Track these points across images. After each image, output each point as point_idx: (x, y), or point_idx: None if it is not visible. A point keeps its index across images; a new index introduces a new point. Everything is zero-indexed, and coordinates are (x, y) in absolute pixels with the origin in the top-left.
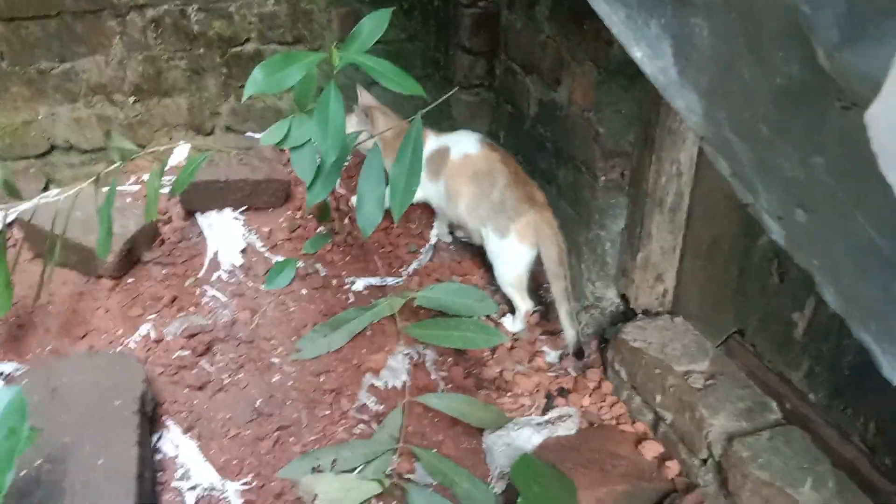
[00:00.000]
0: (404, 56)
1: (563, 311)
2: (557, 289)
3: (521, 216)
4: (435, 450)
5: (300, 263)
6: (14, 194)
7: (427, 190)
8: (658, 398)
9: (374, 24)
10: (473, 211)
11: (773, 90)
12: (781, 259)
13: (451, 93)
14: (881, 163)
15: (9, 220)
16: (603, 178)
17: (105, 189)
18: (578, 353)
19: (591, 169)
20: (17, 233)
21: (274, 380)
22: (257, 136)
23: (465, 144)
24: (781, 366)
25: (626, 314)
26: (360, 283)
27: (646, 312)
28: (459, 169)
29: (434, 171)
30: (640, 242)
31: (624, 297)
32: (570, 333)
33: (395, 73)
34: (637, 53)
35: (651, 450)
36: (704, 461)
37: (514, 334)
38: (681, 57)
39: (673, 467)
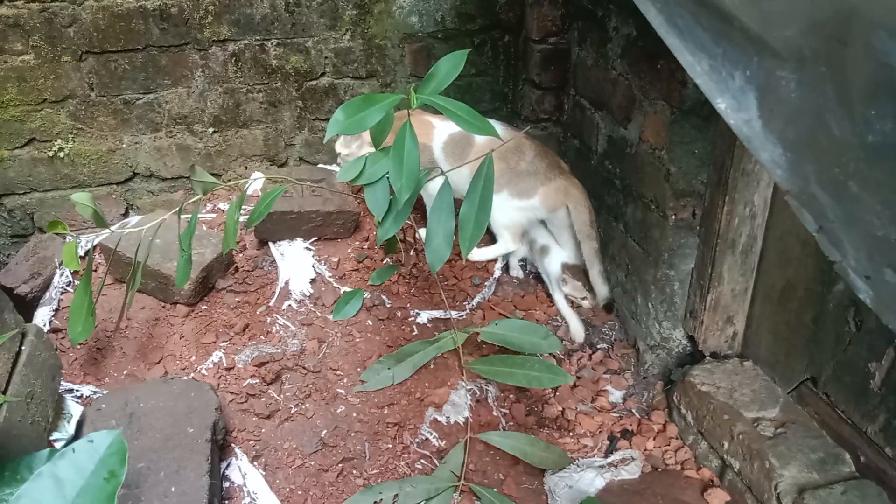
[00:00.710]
0: (473, 90)
1: (594, 271)
2: (588, 249)
3: (552, 181)
4: (496, 489)
5: (366, 294)
6: (101, 224)
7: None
8: (726, 445)
9: (450, 66)
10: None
11: (864, 146)
12: (859, 307)
13: (521, 133)
14: None
15: (92, 244)
16: (673, 217)
17: (186, 217)
18: (608, 307)
19: (661, 207)
20: (97, 257)
21: (339, 410)
22: (329, 167)
23: None
24: (856, 416)
25: (694, 356)
26: (424, 316)
27: (714, 355)
28: (485, 149)
29: (459, 156)
30: (710, 284)
31: (692, 339)
32: (602, 290)
33: (470, 115)
34: (721, 105)
35: (717, 498)
36: None
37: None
38: (766, 109)
39: None
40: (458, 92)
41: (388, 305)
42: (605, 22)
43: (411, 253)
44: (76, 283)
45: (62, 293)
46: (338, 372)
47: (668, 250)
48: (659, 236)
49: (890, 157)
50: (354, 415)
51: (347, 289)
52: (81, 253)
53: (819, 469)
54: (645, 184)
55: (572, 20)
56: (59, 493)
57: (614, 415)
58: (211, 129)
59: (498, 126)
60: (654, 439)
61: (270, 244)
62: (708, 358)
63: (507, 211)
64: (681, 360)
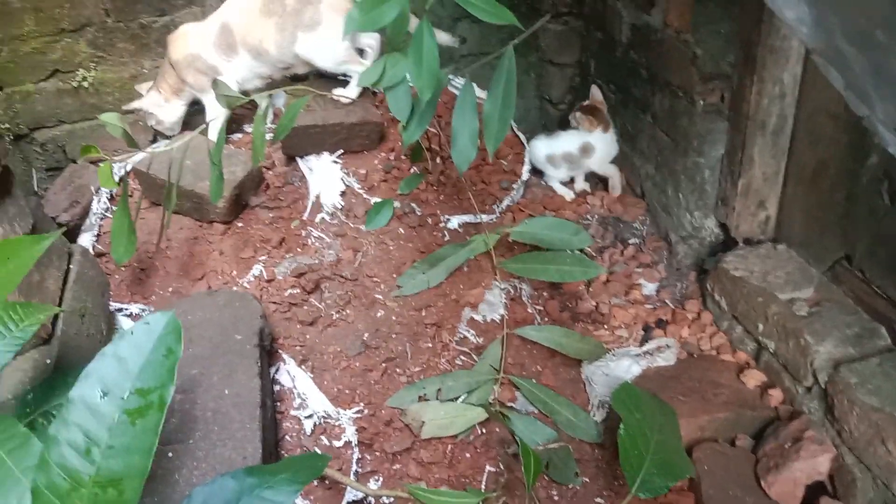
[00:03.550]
0: None
1: None
2: None
3: None
4: (534, 380)
5: (396, 204)
6: (133, 145)
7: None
8: (760, 327)
9: None
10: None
11: None
12: (893, 179)
13: (542, 21)
14: None
15: (125, 169)
16: (701, 102)
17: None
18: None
19: (688, 93)
20: (132, 183)
21: (378, 315)
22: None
23: None
24: (891, 290)
25: (726, 244)
26: (454, 221)
27: (747, 241)
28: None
29: (228, 45)
30: (741, 168)
31: (724, 227)
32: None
33: (486, 4)
34: None
35: (753, 378)
36: (809, 389)
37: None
38: None
39: (776, 395)
40: None
41: (419, 213)
42: None
43: (437, 160)
44: (114, 208)
45: (101, 219)
46: (374, 279)
47: (696, 137)
48: (687, 123)
49: None
50: (394, 318)
51: (377, 199)
52: (116, 178)
53: (854, 343)
54: (671, 70)
55: None
56: (123, 370)
57: (648, 307)
58: None
59: None
60: (688, 327)
61: (298, 160)
62: (741, 244)
63: (334, 48)
64: (713, 249)
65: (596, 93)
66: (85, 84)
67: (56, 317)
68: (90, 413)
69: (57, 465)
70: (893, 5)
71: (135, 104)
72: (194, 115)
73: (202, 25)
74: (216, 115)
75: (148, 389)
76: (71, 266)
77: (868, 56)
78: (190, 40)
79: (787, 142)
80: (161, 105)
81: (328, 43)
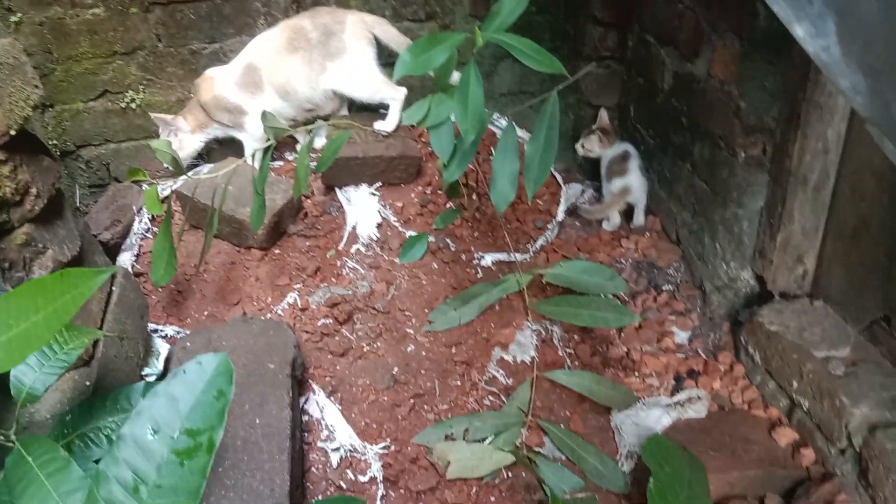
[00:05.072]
0: (533, 28)
1: None
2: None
3: (345, 23)
4: (563, 425)
5: (431, 238)
6: (178, 170)
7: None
8: (795, 384)
9: (514, 3)
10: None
11: None
12: None
13: (586, 69)
14: None
15: (169, 191)
16: (743, 154)
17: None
18: None
19: (730, 144)
20: (173, 204)
21: (409, 349)
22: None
23: None
24: None
25: (762, 296)
26: (488, 258)
27: (783, 295)
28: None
29: (255, 84)
30: (780, 222)
31: (760, 279)
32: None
33: (536, 52)
34: (798, 31)
35: (785, 436)
36: (843, 451)
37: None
38: (846, 33)
39: (808, 455)
40: (517, 30)
41: (453, 248)
42: None
43: (473, 196)
44: (155, 229)
45: (142, 239)
46: (406, 312)
47: (736, 188)
48: (728, 174)
49: None
50: (424, 353)
51: (412, 233)
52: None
53: (892, 407)
54: (713, 120)
55: None
56: (174, 409)
57: (680, 355)
58: None
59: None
60: (720, 379)
61: (337, 190)
62: (777, 298)
63: (365, 75)
64: (748, 300)
65: (604, 116)
66: (133, 105)
67: (97, 339)
68: (140, 451)
69: (105, 501)
70: None
71: (165, 116)
72: (230, 142)
73: (226, 68)
74: (253, 147)
75: (197, 430)
76: (113, 288)
77: None
78: (215, 84)
79: (829, 197)
80: (185, 132)
81: (355, 70)
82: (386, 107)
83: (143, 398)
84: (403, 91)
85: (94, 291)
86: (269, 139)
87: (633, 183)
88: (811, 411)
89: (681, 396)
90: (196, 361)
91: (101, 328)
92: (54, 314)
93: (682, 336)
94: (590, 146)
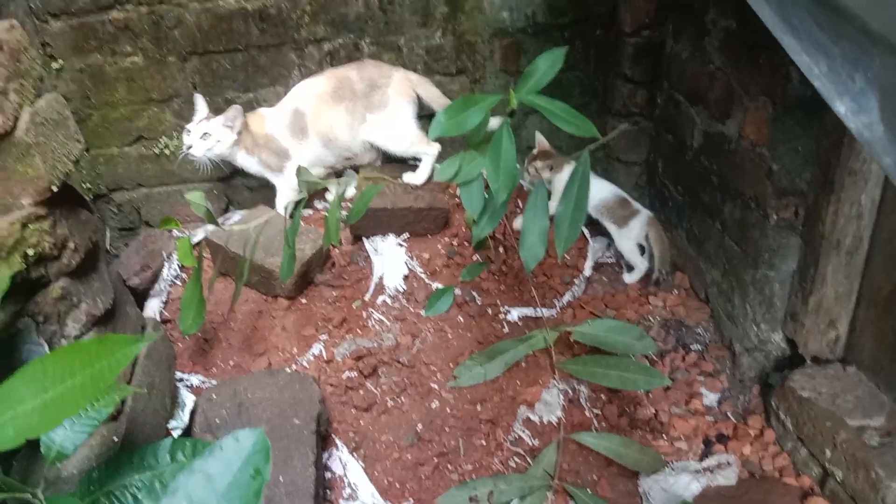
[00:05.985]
0: (563, 85)
1: None
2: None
3: (391, 77)
4: (590, 490)
5: (457, 291)
6: (211, 221)
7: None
8: (828, 452)
9: (548, 64)
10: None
11: None
12: None
13: (618, 131)
14: None
15: (197, 239)
16: (775, 216)
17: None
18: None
19: (761, 206)
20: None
21: (433, 405)
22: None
23: None
24: None
25: (793, 359)
26: (514, 313)
27: (815, 359)
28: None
29: (301, 130)
30: (812, 285)
31: (791, 342)
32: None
33: (570, 115)
34: (840, 108)
35: None
36: None
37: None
38: (888, 111)
39: None
40: (547, 88)
41: (479, 302)
42: (702, 14)
43: (500, 249)
44: (184, 275)
45: (171, 285)
46: (431, 367)
47: (768, 250)
48: (759, 236)
49: None
50: (448, 410)
51: (439, 285)
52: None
53: None
54: (744, 181)
55: (666, 12)
56: (210, 488)
57: (709, 418)
58: None
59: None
60: (750, 444)
61: (364, 240)
62: (808, 362)
63: (401, 130)
64: (779, 363)
65: (541, 140)
66: (167, 151)
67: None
68: None
69: None
70: None
71: (204, 124)
72: (261, 189)
73: (275, 110)
74: (286, 194)
75: None
76: None
77: None
78: (266, 122)
79: (862, 263)
80: (228, 139)
81: (393, 125)
82: (417, 158)
83: (180, 474)
84: (437, 147)
85: (131, 359)
86: (301, 192)
87: (645, 214)
88: (845, 482)
89: (710, 462)
90: (233, 437)
91: (130, 382)
92: (91, 380)
93: (711, 398)
94: (535, 174)
